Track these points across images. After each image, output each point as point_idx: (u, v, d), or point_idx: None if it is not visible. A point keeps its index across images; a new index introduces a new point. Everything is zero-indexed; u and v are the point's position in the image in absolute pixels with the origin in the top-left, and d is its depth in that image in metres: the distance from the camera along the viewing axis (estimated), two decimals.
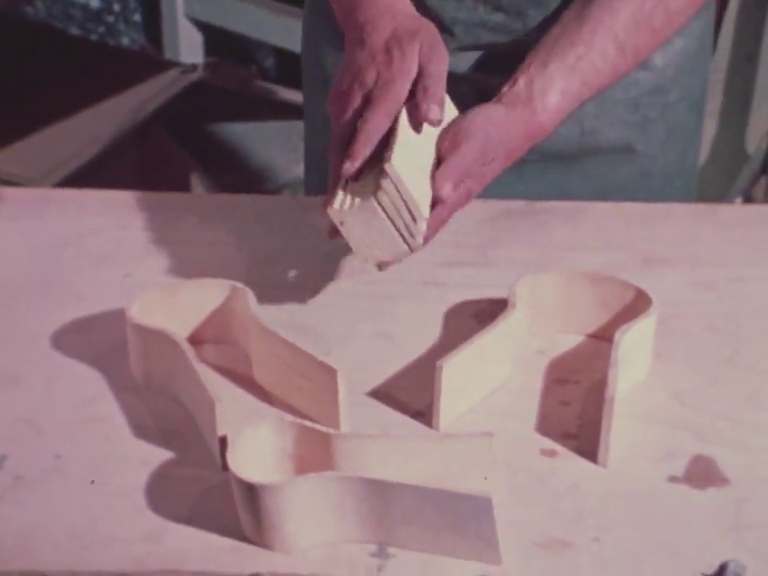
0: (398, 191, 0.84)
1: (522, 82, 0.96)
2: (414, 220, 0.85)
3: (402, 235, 0.85)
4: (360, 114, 0.89)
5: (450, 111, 0.95)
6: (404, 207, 0.84)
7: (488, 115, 0.93)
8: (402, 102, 0.90)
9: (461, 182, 0.89)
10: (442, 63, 0.92)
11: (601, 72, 0.98)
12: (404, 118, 0.89)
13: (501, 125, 0.92)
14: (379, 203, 0.84)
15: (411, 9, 0.97)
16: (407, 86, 0.90)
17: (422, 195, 0.86)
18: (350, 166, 0.87)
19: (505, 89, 0.96)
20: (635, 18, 0.99)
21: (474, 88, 1.09)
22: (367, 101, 0.90)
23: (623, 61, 1.00)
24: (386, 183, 0.84)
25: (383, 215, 0.84)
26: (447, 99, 0.94)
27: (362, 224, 0.85)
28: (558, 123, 0.97)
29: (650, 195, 1.20)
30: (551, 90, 0.96)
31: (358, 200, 0.85)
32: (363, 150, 0.87)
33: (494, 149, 0.92)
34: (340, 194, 0.86)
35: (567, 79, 0.97)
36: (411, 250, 0.86)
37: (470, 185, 0.91)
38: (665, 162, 1.20)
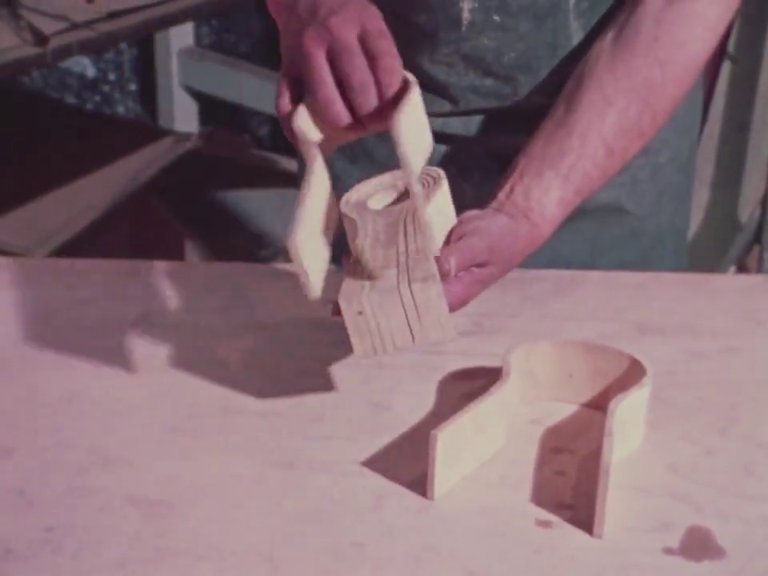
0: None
1: (518, 192, 0.97)
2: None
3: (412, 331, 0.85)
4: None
5: (448, 205, 0.94)
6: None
7: (492, 222, 0.94)
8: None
9: (463, 269, 0.89)
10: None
11: (592, 178, 1.00)
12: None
13: (507, 236, 0.94)
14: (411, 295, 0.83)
15: None
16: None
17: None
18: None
19: (501, 196, 0.98)
20: (622, 122, 1.00)
21: (482, 148, 1.11)
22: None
23: (612, 164, 1.01)
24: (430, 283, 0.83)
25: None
26: (448, 197, 0.93)
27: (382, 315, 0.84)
28: (554, 231, 0.99)
29: (642, 256, 1.21)
30: (548, 201, 0.98)
31: (383, 290, 0.83)
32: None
33: (499, 254, 0.93)
34: (350, 282, 0.85)
35: (562, 189, 0.98)
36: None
37: (470, 286, 0.91)
38: (656, 223, 1.21)
